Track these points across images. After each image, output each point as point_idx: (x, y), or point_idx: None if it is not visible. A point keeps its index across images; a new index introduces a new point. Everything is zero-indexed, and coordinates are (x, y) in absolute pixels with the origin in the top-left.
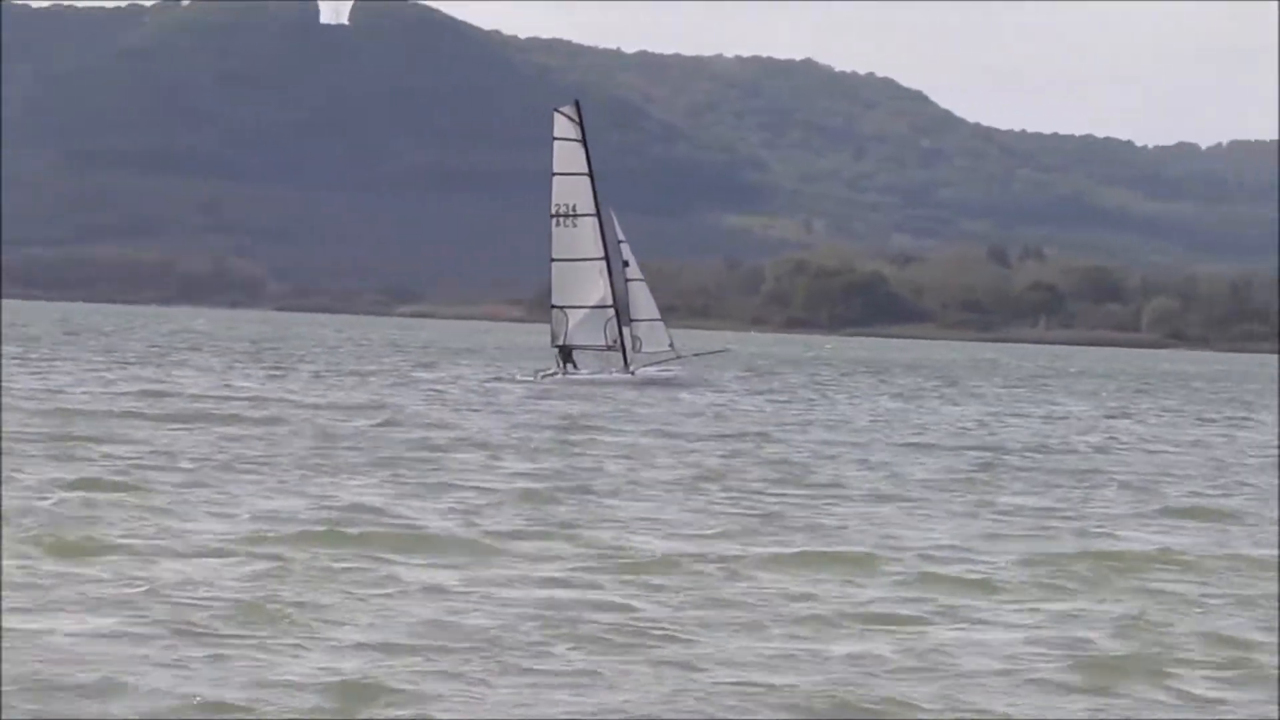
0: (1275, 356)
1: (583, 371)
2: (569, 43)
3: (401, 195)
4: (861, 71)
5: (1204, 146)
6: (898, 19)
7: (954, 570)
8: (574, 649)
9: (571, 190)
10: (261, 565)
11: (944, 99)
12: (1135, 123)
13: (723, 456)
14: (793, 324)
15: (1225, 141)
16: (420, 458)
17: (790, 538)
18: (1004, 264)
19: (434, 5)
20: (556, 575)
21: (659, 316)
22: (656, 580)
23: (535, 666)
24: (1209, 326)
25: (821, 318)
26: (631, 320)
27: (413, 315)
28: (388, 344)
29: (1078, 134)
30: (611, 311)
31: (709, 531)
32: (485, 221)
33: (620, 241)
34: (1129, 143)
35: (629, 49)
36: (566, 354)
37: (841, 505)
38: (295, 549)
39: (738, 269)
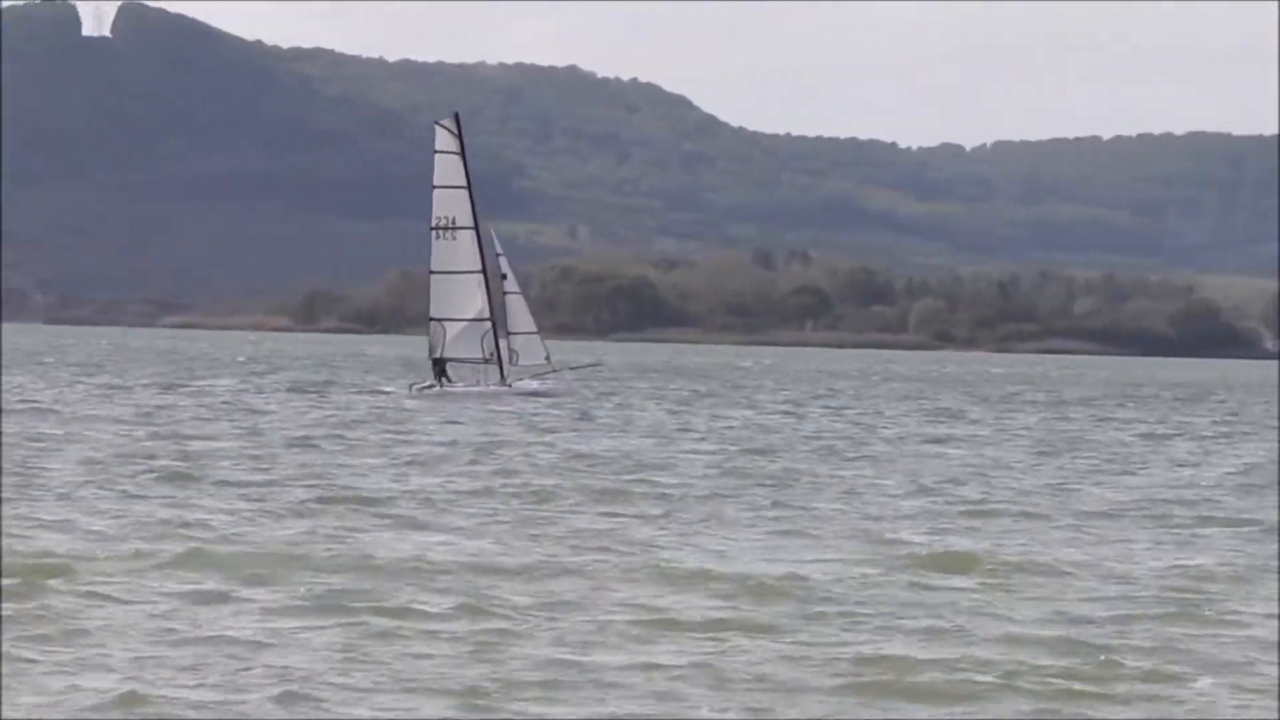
0: (1043, 356)
1: (458, 385)
2: (331, 52)
3: (167, 204)
4: (624, 77)
5: (968, 147)
6: (659, 23)
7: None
8: None
9: (451, 203)
10: None
11: (707, 103)
12: (899, 124)
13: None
14: (561, 330)
15: (989, 142)
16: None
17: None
18: (769, 267)
19: (196, 16)
20: None
21: (535, 329)
22: None
23: None
24: (976, 327)
25: (589, 323)
26: (509, 333)
27: (179, 326)
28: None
29: (842, 136)
30: (489, 324)
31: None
32: (252, 230)
33: (498, 255)
34: (893, 144)
35: (391, 58)
36: (441, 367)
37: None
38: None
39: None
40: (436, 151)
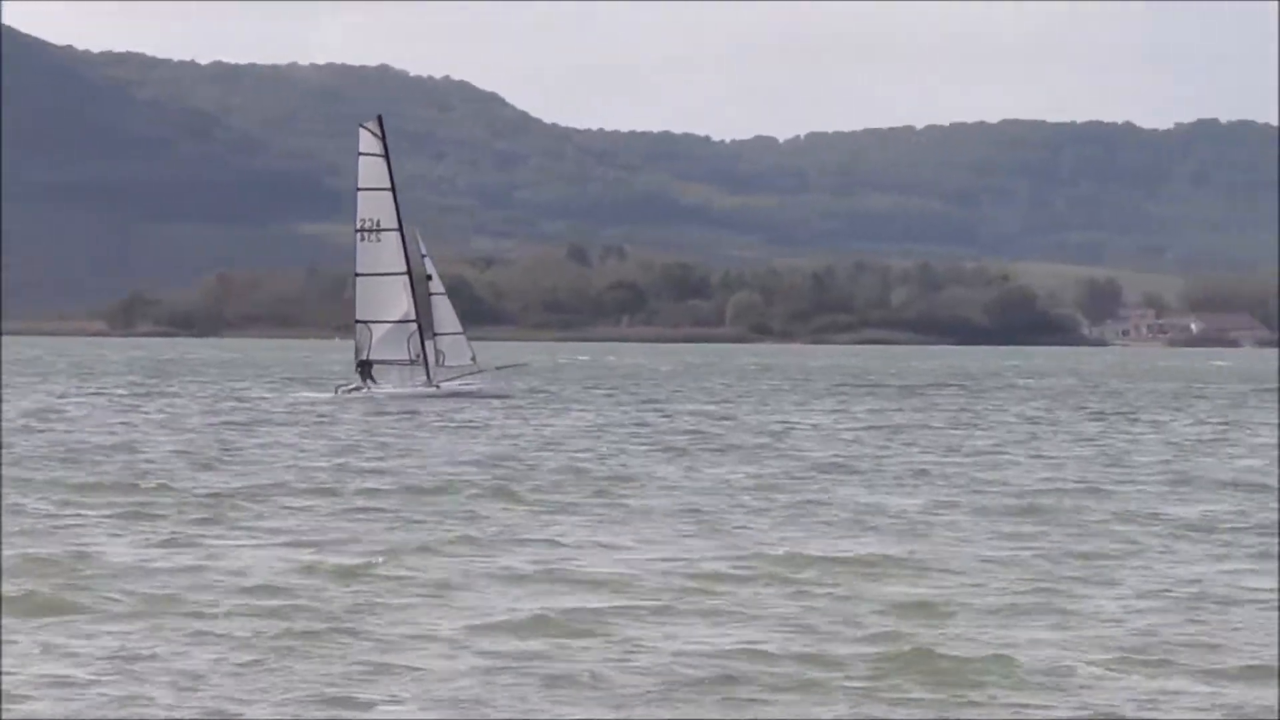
0: (862, 346)
1: (384, 386)
2: (143, 55)
3: None
4: (437, 75)
5: (781, 140)
6: (469, 21)
7: None
8: None
9: (375, 205)
10: None
11: (520, 100)
12: (713, 118)
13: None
14: None
15: (802, 134)
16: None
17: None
18: (585, 264)
19: (4, 22)
20: None
21: (461, 330)
22: None
23: None
24: (792, 319)
25: None
26: (435, 334)
27: None
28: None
29: (655, 131)
30: (414, 326)
31: None
32: (70, 236)
33: (424, 256)
34: (706, 138)
35: (204, 60)
36: (366, 369)
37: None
38: None
39: (319, 277)
40: (360, 154)
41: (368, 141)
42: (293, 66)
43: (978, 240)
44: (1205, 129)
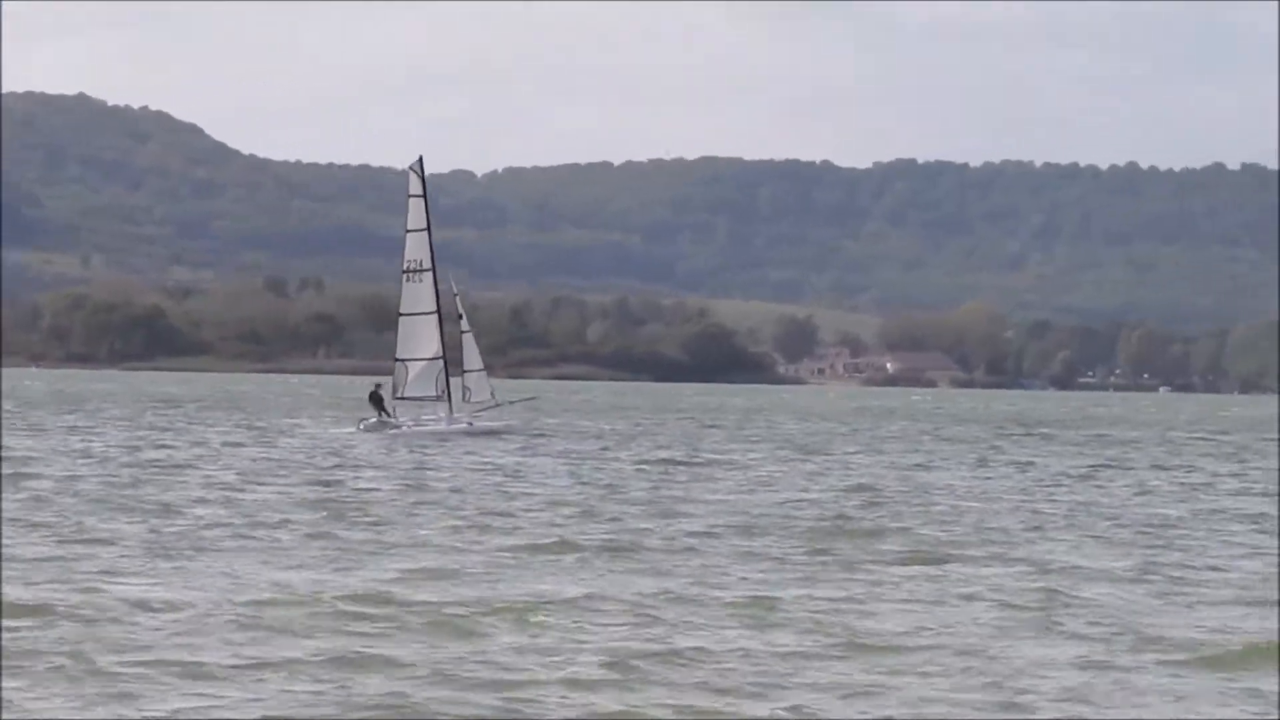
0: (555, 382)
1: (406, 422)
2: None
3: None
4: (135, 105)
5: (480, 174)
6: (167, 52)
7: None
8: None
9: (418, 247)
10: None
11: (218, 131)
12: (411, 152)
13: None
14: (73, 359)
15: (501, 168)
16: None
17: None
18: (282, 295)
19: None
20: None
21: (484, 367)
22: None
23: None
24: (490, 353)
25: (102, 353)
26: (464, 371)
27: None
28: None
29: (354, 163)
30: (442, 363)
31: None
32: None
33: (455, 294)
34: (404, 172)
35: None
36: (379, 402)
37: None
38: None
39: (16, 306)
40: (410, 196)
41: (415, 184)
42: None
43: (675, 277)
44: (902, 168)
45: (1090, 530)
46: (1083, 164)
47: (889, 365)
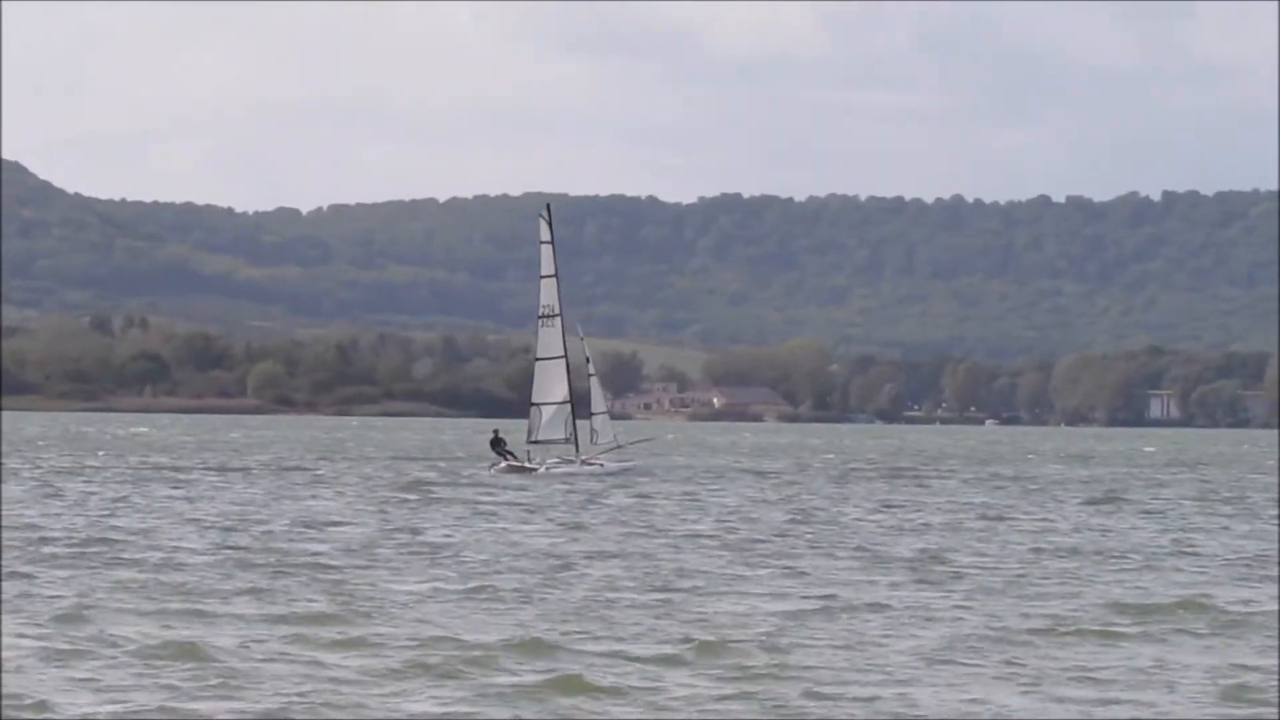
0: (380, 419)
1: (539, 464)
2: None
3: None
4: None
5: (304, 211)
6: None
7: None
8: None
9: (550, 292)
10: None
11: (42, 169)
12: (234, 189)
13: None
14: None
15: (325, 206)
16: None
17: None
18: (108, 333)
19: None
20: None
21: (607, 410)
22: None
23: None
24: (316, 390)
25: None
26: (591, 414)
27: None
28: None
29: (178, 201)
30: (569, 406)
31: None
32: None
33: (581, 339)
34: (229, 209)
35: None
36: (500, 446)
37: None
38: None
39: None
40: (541, 242)
41: (544, 230)
42: None
43: (502, 314)
44: (727, 203)
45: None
46: (907, 198)
47: (715, 400)
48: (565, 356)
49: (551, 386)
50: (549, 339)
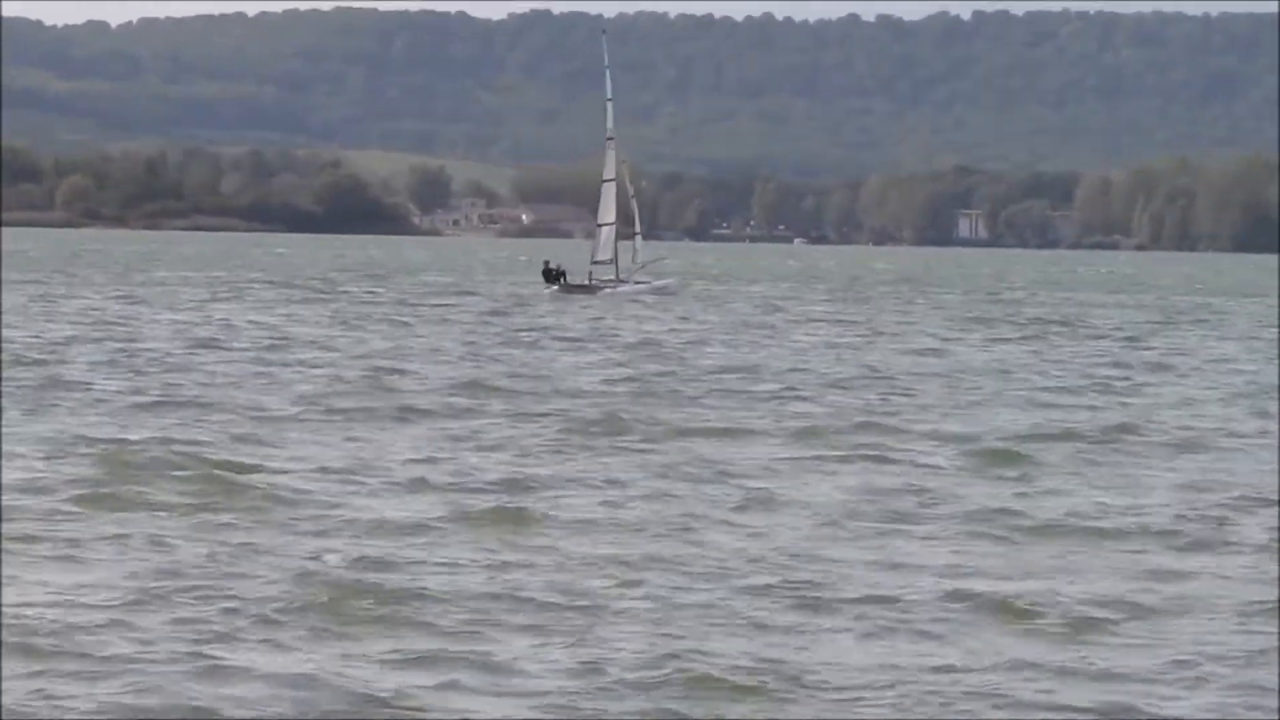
0: (193, 234)
1: (602, 285)
2: None
3: None
4: None
5: (114, 25)
6: None
7: None
8: None
9: (610, 115)
10: None
11: None
12: (43, 3)
13: None
14: None
15: (135, 19)
16: None
17: None
18: None
19: None
20: None
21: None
22: None
23: None
24: (124, 205)
25: None
26: (634, 233)
27: None
28: None
29: None
30: (614, 228)
31: None
32: None
33: (623, 162)
34: (38, 22)
35: None
36: (554, 275)
37: None
38: None
39: None
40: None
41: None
42: None
43: (309, 128)
44: (537, 19)
45: None
46: (717, 16)
47: (524, 217)
48: (616, 180)
49: (607, 208)
50: (609, 162)
